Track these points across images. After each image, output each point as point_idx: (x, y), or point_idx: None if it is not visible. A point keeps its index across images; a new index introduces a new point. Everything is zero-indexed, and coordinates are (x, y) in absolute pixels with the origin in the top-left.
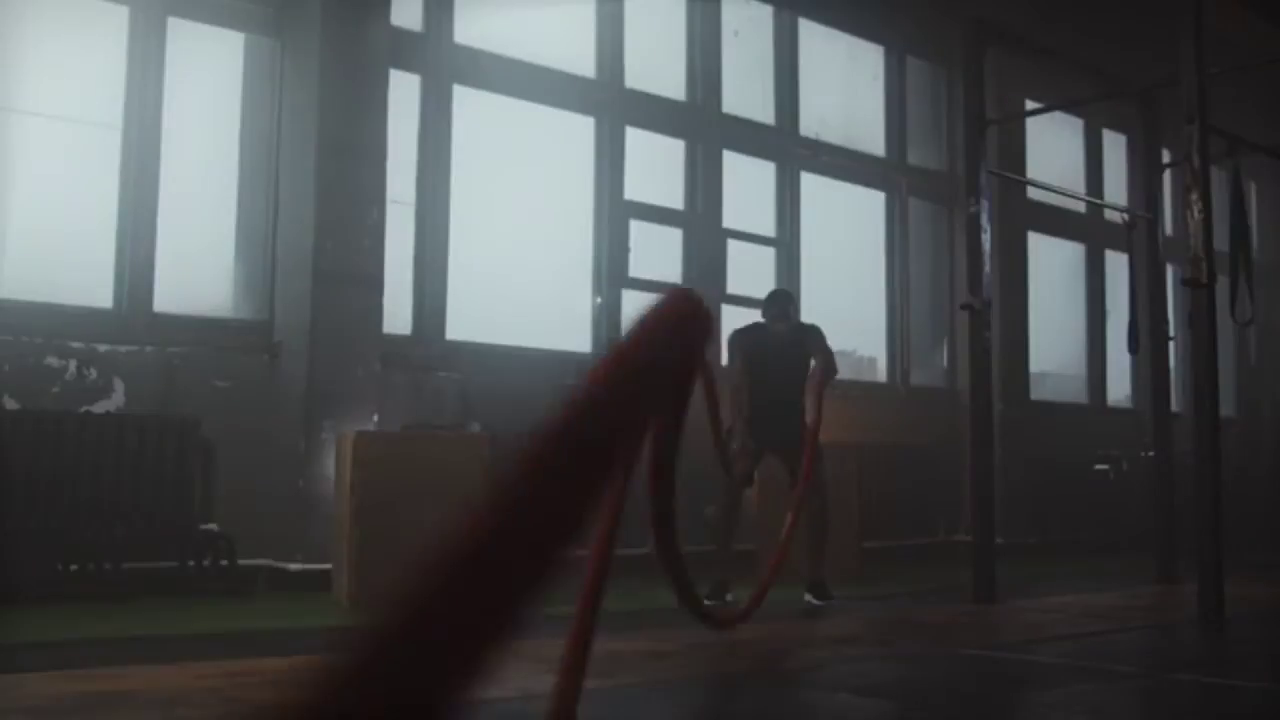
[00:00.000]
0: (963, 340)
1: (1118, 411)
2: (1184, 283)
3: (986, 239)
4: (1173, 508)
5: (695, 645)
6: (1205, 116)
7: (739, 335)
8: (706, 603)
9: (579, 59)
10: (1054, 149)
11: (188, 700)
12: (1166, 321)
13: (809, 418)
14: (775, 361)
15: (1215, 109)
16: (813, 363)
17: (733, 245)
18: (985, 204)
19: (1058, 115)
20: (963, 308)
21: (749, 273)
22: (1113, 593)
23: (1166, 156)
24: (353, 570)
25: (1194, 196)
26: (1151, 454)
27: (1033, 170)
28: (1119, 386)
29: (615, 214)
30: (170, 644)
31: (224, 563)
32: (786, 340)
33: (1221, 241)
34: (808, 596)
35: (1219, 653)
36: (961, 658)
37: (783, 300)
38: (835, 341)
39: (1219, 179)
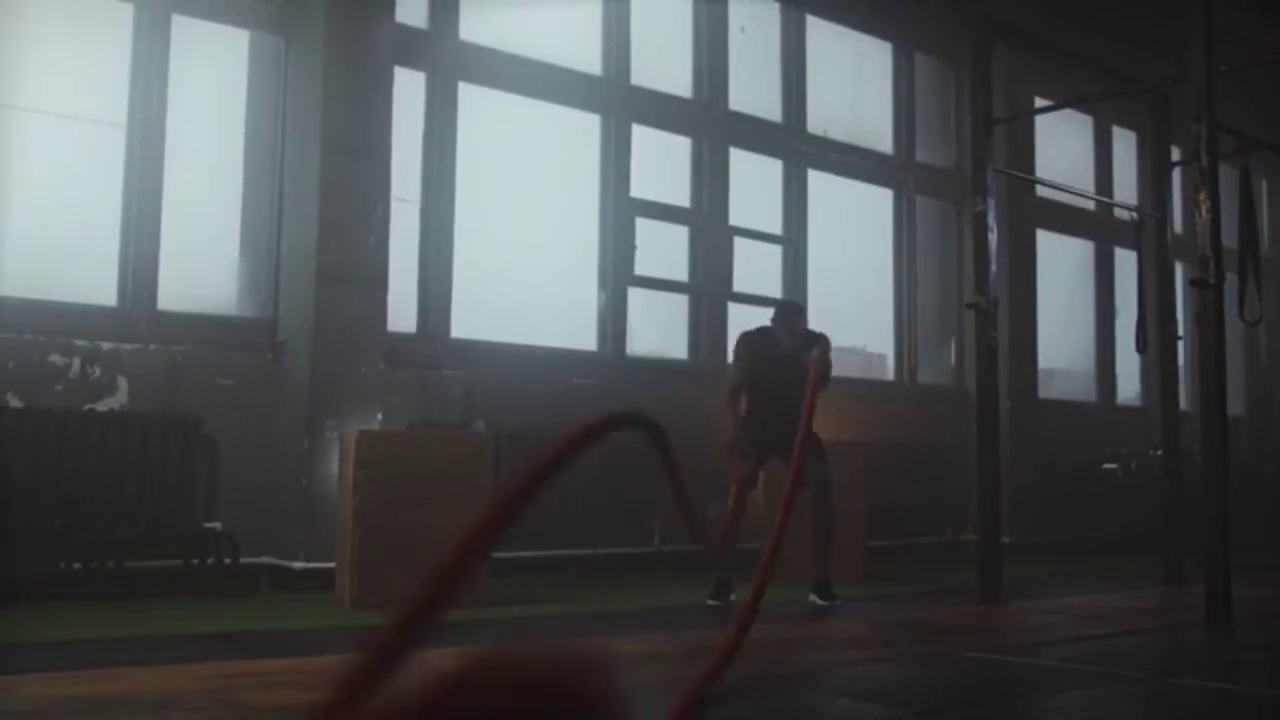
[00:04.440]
0: (971, 338)
1: (1127, 410)
2: (1191, 282)
3: (993, 238)
4: (1181, 507)
5: (697, 647)
6: (1214, 114)
7: (745, 338)
8: (710, 602)
9: (585, 56)
10: (1065, 147)
11: (181, 703)
12: (1175, 320)
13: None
14: (780, 366)
15: (1225, 107)
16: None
17: (739, 243)
18: (991, 203)
19: (1069, 113)
20: (968, 306)
21: (755, 270)
22: (1120, 594)
23: (1177, 154)
24: (355, 570)
25: (1202, 195)
26: (1160, 453)
27: (1043, 168)
28: (1129, 385)
29: (621, 211)
30: (170, 644)
31: (227, 561)
32: (793, 348)
33: (1233, 239)
34: (812, 597)
35: (1226, 657)
36: (964, 661)
37: (792, 314)
38: (842, 339)
39: (1229, 177)
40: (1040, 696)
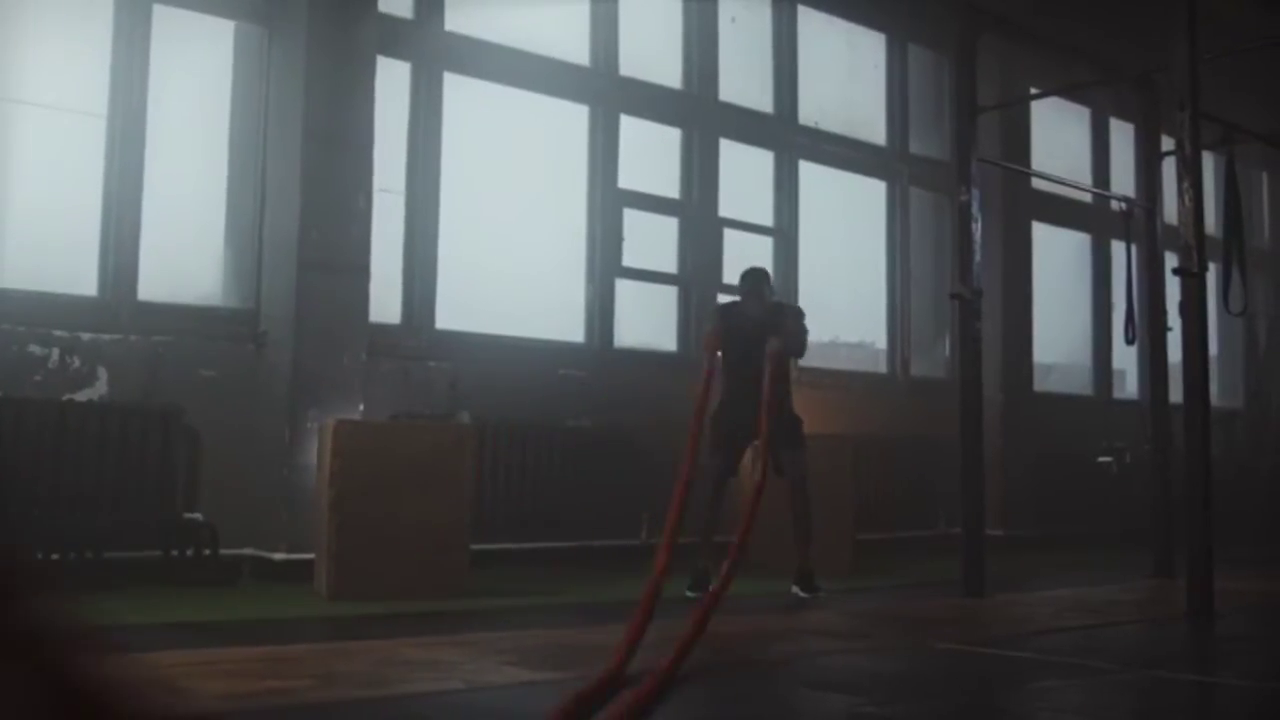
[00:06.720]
0: None
1: (1123, 403)
2: (1174, 272)
3: (977, 227)
4: (1170, 501)
5: (668, 638)
6: (1197, 103)
7: (717, 312)
8: (688, 594)
9: (573, 46)
10: (1062, 139)
11: None
12: (1165, 311)
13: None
14: (749, 345)
15: (1220, 97)
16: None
17: (729, 234)
18: (976, 192)
19: (1067, 106)
20: (952, 297)
21: (746, 262)
22: (1106, 587)
23: (1171, 145)
24: (332, 561)
25: (1185, 184)
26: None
27: (1040, 160)
28: (1130, 378)
29: (609, 203)
30: (138, 633)
31: (207, 552)
32: (760, 321)
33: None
34: (794, 588)
35: (1204, 649)
36: (937, 652)
37: (755, 277)
38: (837, 331)
39: (1219, 167)
40: (1008, 687)
